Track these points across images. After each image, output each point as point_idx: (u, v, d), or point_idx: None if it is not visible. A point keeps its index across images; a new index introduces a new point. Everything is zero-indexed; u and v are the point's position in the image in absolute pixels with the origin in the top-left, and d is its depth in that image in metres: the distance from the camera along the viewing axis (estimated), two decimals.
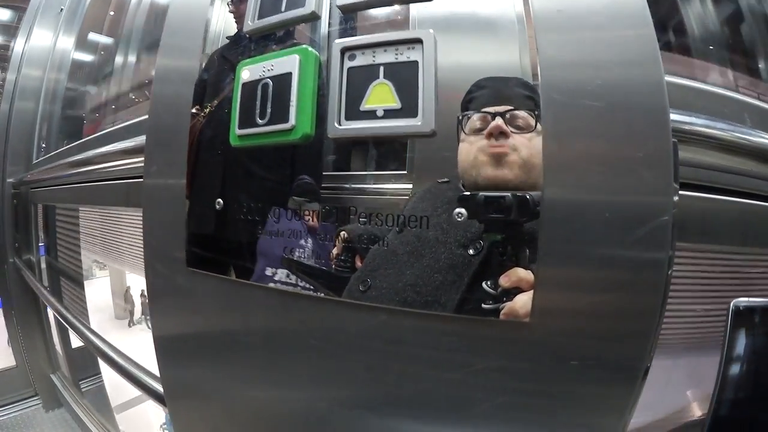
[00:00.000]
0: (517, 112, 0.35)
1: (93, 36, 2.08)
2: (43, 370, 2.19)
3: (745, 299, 0.55)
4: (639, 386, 0.32)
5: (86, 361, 2.03)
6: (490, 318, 0.34)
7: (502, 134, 0.35)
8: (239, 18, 0.50)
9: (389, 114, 0.38)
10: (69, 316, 1.47)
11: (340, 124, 0.39)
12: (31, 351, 2.16)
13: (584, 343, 0.33)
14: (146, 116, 0.59)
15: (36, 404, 2.19)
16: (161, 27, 0.58)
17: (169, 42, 0.58)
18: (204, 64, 0.52)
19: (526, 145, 0.35)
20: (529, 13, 0.36)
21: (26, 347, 2.15)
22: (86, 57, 2.10)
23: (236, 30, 0.51)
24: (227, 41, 0.52)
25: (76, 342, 2.02)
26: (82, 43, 2.07)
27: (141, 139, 0.77)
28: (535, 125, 0.35)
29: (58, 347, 2.15)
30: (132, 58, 1.72)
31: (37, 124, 2.08)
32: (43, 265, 2.10)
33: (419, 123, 0.36)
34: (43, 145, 2.03)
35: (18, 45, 2.27)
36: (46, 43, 2.19)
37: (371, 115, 0.38)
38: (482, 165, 0.36)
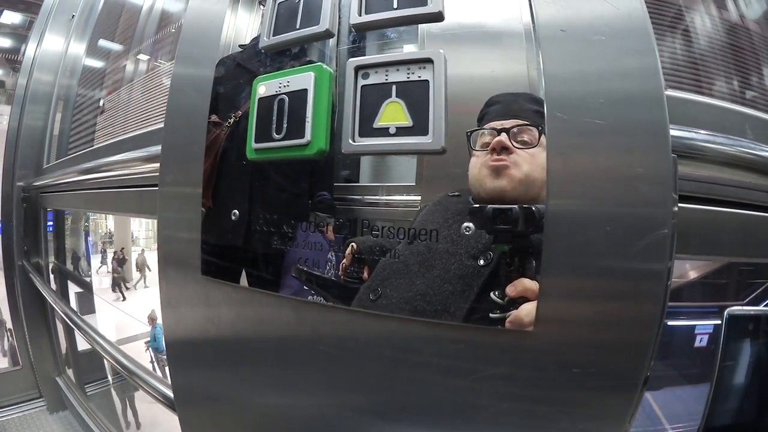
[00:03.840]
0: (523, 127, 0.36)
1: (103, 43, 2.11)
2: (48, 372, 2.20)
3: (739, 308, 0.56)
4: (639, 395, 0.33)
5: (92, 365, 2.03)
6: (496, 327, 0.35)
7: (504, 149, 0.36)
8: None
9: (401, 132, 0.39)
10: (77, 319, 1.49)
11: (354, 141, 0.41)
12: (38, 353, 2.17)
13: (586, 351, 0.34)
14: (158, 126, 0.60)
15: (40, 406, 2.19)
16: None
17: (184, 52, 0.59)
18: (219, 72, 0.53)
19: (528, 161, 0.36)
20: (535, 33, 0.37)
21: (32, 349, 2.16)
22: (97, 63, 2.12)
23: (251, 39, 0.52)
24: (240, 49, 0.53)
25: (82, 345, 2.03)
26: (93, 50, 2.10)
27: (153, 149, 0.79)
28: (539, 139, 0.36)
29: (64, 350, 2.16)
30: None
31: (48, 129, 2.10)
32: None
33: (430, 140, 0.38)
34: (54, 151, 2.05)
35: (29, 49, 2.30)
36: (58, 48, 2.22)
37: (384, 132, 0.39)
38: (484, 178, 0.37)
